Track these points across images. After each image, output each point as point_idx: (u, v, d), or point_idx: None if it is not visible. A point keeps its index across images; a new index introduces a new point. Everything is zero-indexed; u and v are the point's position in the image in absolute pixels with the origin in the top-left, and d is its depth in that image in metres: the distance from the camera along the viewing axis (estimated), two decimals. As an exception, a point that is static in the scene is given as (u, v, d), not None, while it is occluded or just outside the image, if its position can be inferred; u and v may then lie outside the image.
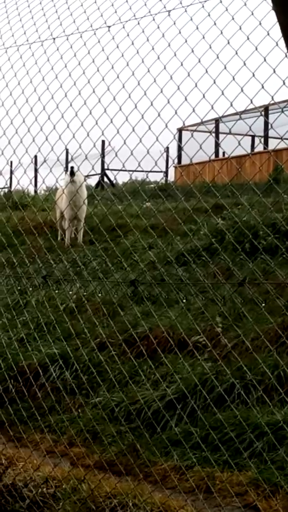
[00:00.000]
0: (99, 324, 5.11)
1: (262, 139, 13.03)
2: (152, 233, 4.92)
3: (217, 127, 15.56)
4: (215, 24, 3.44)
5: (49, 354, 5.30)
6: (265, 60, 3.15)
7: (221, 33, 3.40)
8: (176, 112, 3.64)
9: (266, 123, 14.42)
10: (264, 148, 15.22)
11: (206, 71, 3.44)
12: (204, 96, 3.46)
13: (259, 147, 17.51)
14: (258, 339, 5.05)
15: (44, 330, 5.31)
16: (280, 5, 1.26)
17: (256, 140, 17.49)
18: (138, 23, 3.81)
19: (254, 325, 4.71)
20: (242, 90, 3.30)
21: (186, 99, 3.55)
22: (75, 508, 3.63)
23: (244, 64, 3.27)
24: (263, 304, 4.74)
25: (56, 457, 4.12)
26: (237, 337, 5.14)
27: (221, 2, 3.46)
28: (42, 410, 4.61)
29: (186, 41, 3.58)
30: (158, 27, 3.72)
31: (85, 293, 5.91)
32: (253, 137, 16.99)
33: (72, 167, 9.41)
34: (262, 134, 16.72)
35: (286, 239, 6.60)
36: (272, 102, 3.33)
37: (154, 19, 3.73)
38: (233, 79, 3.33)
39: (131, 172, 4.70)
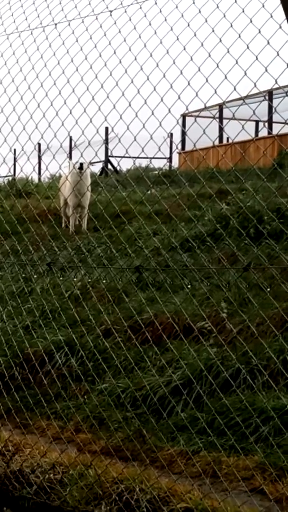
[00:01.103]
0: (104, 311, 5.11)
1: (266, 124, 12.96)
2: (156, 219, 4.91)
3: (220, 112, 15.48)
4: (217, 7, 3.41)
5: (54, 341, 5.31)
6: (268, 43, 3.12)
7: (224, 16, 3.37)
8: (179, 97, 3.62)
9: (270, 107, 14.36)
10: (268, 133, 15.14)
11: (209, 55, 3.41)
12: (207, 80, 3.44)
13: (264, 132, 17.44)
14: (264, 324, 5.05)
15: (49, 317, 5.32)
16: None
17: (260, 125, 17.41)
18: (140, 7, 3.78)
19: (259, 310, 4.70)
20: (245, 74, 3.27)
21: (189, 84, 3.52)
22: (82, 493, 3.65)
23: (248, 47, 3.24)
24: (268, 289, 4.73)
25: (62, 443, 4.14)
26: (242, 322, 5.14)
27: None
28: (48, 397, 4.62)
29: (188, 25, 3.55)
30: (160, 11, 3.69)
31: (89, 280, 5.91)
32: (257, 122, 16.91)
33: (81, 164, 9.31)
34: (266, 118, 16.65)
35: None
36: (276, 86, 3.30)
37: (156, 3, 3.70)
38: (236, 62, 3.30)
39: (134, 159, 4.66)
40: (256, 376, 4.73)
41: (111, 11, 3.79)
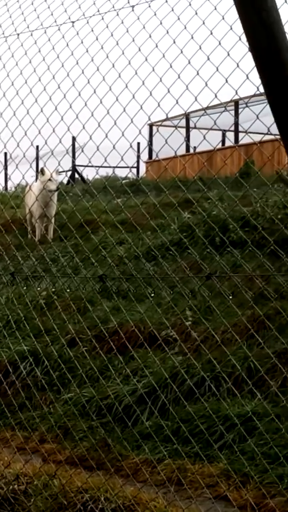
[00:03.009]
0: (69, 320, 5.10)
1: (230, 133, 13.10)
2: (121, 228, 4.92)
3: (187, 122, 15.61)
4: (179, 19, 3.45)
5: (19, 351, 5.28)
6: (228, 54, 3.17)
7: (185, 27, 3.41)
8: (141, 107, 3.65)
9: (235, 118, 14.53)
10: (235, 142, 15.31)
11: (171, 66, 3.45)
12: (169, 91, 3.47)
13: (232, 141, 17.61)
14: (228, 332, 5.09)
15: (14, 327, 5.29)
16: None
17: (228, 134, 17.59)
18: (102, 18, 3.81)
19: (223, 318, 4.74)
20: (206, 85, 3.31)
21: (151, 94, 3.55)
22: (46, 504, 3.63)
23: (208, 59, 3.29)
24: (231, 297, 4.78)
25: (27, 454, 4.11)
26: (207, 330, 5.17)
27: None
28: (12, 408, 4.59)
29: (150, 36, 3.58)
30: (122, 22, 3.71)
31: (53, 289, 5.89)
32: (223, 131, 17.08)
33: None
34: (233, 128, 16.83)
35: (255, 232, 6.64)
36: (237, 97, 3.35)
37: (118, 14, 3.72)
38: (198, 73, 3.34)
39: (97, 168, 4.69)
40: (221, 383, 4.77)
41: (73, 22, 3.81)
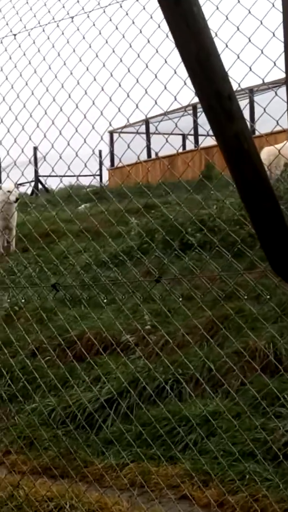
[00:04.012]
0: (32, 330, 5.13)
1: (191, 137, 13.22)
2: (83, 236, 4.94)
3: (147, 126, 15.69)
4: (133, 23, 3.49)
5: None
6: (166, 62, 3.24)
7: (140, 32, 3.44)
8: (101, 113, 3.69)
9: (194, 121, 14.64)
10: (195, 146, 15.43)
11: (129, 70, 3.49)
12: (128, 96, 3.52)
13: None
14: (190, 334, 5.15)
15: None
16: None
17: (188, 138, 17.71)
18: (58, 26, 3.82)
19: (183, 320, 4.81)
20: (165, 88, 3.37)
21: (110, 99, 3.59)
22: (12, 514, 3.66)
23: (166, 62, 3.31)
24: (181, 299, 4.85)
25: (-9, 466, 4.13)
26: (168, 333, 5.23)
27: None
28: (-24, 422, 4.61)
29: (106, 41, 3.60)
30: (78, 29, 3.73)
31: (8, 300, 5.91)
32: (183, 135, 17.20)
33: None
34: (192, 132, 16.96)
35: (214, 235, 6.73)
36: (196, 100, 3.41)
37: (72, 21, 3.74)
38: (156, 77, 3.38)
39: (61, 177, 4.73)
40: (183, 385, 4.83)
41: (14, 35, 3.85)
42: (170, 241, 5.39)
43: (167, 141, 3.79)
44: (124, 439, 4.30)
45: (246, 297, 4.59)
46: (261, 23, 3.11)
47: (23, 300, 5.87)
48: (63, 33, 3.78)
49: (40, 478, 3.89)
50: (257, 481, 3.58)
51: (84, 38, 3.69)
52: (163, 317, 5.53)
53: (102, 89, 3.63)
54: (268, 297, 4.52)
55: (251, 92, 14.33)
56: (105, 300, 5.53)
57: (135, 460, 4.12)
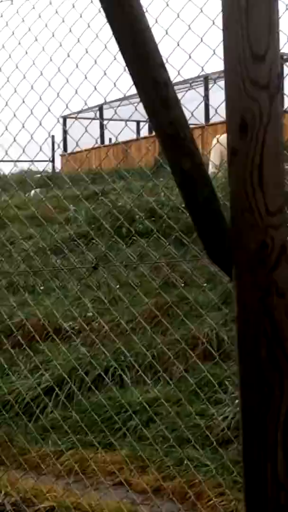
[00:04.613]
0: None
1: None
2: (33, 223, 4.88)
3: (101, 112, 15.59)
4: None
5: None
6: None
7: (99, 11, 3.38)
8: (58, 95, 3.64)
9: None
10: (149, 133, 15.40)
11: (86, 51, 3.42)
12: (86, 77, 3.47)
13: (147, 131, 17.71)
14: (133, 321, 5.15)
15: None
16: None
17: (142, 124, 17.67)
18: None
19: (126, 308, 4.80)
20: (105, 73, 3.33)
21: (67, 81, 3.53)
22: None
23: (105, 47, 3.27)
24: (118, 286, 4.85)
25: None
26: (113, 321, 5.22)
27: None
28: None
29: (63, 20, 3.52)
30: (34, 7, 3.63)
31: None
32: (138, 122, 17.15)
33: None
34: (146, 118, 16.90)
35: (162, 223, 6.73)
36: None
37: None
38: (115, 58, 3.32)
39: (15, 162, 4.65)
40: (126, 372, 4.83)
41: None
42: (111, 230, 5.34)
43: (127, 125, 3.75)
44: (63, 426, 4.28)
45: (183, 284, 4.59)
46: (201, 10, 3.11)
47: None
48: (17, 12, 3.70)
49: (-24, 466, 3.84)
50: (193, 467, 3.60)
51: (40, 16, 3.61)
52: (111, 304, 5.50)
53: (59, 70, 3.57)
54: (205, 284, 4.53)
55: (205, 80, 14.37)
56: (41, 288, 5.48)
57: (74, 448, 4.10)
